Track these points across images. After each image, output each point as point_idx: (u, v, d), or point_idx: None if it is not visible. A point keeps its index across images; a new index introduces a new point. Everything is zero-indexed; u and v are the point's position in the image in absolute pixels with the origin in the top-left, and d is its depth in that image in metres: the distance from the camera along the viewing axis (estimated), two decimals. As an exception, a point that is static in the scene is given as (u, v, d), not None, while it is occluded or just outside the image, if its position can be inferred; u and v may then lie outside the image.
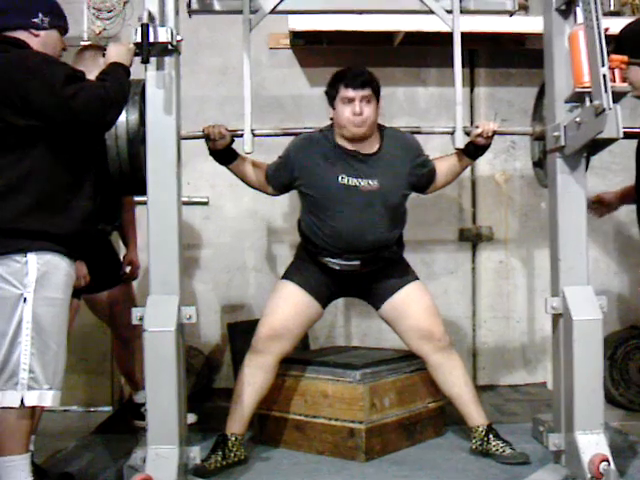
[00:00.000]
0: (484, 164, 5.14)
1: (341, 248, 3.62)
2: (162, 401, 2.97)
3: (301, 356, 4.02)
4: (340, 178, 3.58)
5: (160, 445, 2.94)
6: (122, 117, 3.10)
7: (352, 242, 3.61)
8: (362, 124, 3.58)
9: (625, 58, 3.20)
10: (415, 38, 4.81)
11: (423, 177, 3.76)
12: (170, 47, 3.05)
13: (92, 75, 3.69)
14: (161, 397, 2.97)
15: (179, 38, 3.08)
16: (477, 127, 3.64)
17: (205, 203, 4.98)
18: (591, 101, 2.88)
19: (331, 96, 3.67)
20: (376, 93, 3.65)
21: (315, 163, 3.63)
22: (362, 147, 3.65)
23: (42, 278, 2.82)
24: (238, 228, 5.13)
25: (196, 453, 3.09)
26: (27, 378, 2.81)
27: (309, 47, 5.04)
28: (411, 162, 3.71)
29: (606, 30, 2.80)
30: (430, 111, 5.17)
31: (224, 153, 3.62)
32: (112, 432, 4.13)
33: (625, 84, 3.09)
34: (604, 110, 2.74)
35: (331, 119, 3.71)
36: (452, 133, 3.58)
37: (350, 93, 3.58)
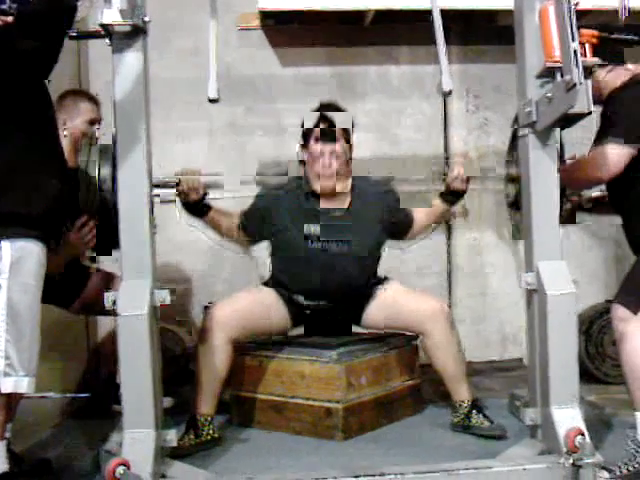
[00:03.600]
0: (458, 141, 5.15)
1: (311, 291, 3.75)
2: (137, 385, 2.95)
3: (277, 337, 4.02)
4: (310, 242, 3.71)
5: (136, 429, 2.93)
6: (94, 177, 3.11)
7: (322, 288, 3.73)
8: (331, 177, 3.69)
9: (595, 32, 3.20)
10: (386, 17, 4.79)
11: (399, 225, 3.91)
12: (137, 28, 3.00)
13: (74, 121, 3.68)
14: (135, 381, 2.94)
15: (147, 19, 3.04)
16: (452, 171, 3.78)
17: (177, 184, 4.93)
18: (562, 76, 2.87)
19: (304, 140, 3.80)
20: (347, 139, 3.77)
21: (284, 226, 3.75)
22: (333, 204, 3.76)
23: (16, 264, 2.80)
24: (212, 210, 5.11)
25: (172, 436, 3.08)
26: (3, 365, 2.79)
27: (279, 27, 5.01)
28: (387, 214, 3.84)
29: (576, 5, 2.79)
30: (402, 89, 5.17)
31: (197, 206, 3.69)
32: (89, 417, 4.12)
33: (595, 58, 3.10)
34: (575, 85, 2.73)
35: (302, 162, 3.83)
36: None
37: (319, 147, 3.68)
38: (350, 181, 3.82)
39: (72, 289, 3.86)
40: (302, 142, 3.81)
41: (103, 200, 3.13)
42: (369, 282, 3.85)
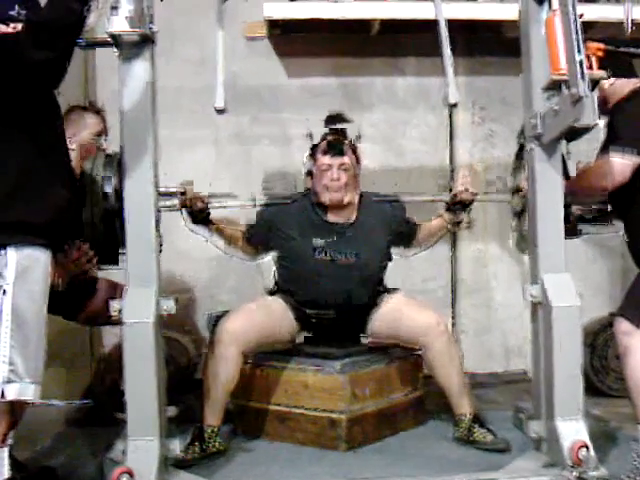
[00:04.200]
0: (463, 152, 5.15)
1: (317, 302, 3.77)
2: (141, 393, 2.96)
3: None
4: (316, 253, 3.72)
5: (140, 437, 2.93)
6: (98, 190, 3.11)
7: (328, 303, 3.76)
8: (339, 190, 3.71)
9: (601, 45, 3.20)
10: (392, 27, 4.80)
11: (404, 237, 3.96)
12: (145, 37, 3.01)
13: (80, 135, 3.69)
14: (140, 389, 2.96)
15: (154, 29, 3.04)
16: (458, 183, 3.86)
17: (182, 193, 4.92)
18: (568, 89, 2.87)
19: (311, 158, 3.84)
20: (354, 154, 3.82)
21: (290, 236, 3.77)
22: (340, 216, 3.78)
23: (24, 271, 2.79)
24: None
25: (176, 445, 3.08)
26: (7, 371, 2.78)
27: (285, 36, 5.00)
28: (394, 229, 3.88)
29: (580, 16, 2.79)
30: (408, 101, 5.17)
31: (203, 214, 3.76)
32: (92, 425, 4.11)
33: (602, 71, 3.11)
34: (581, 98, 2.73)
35: (308, 189, 3.87)
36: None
37: (327, 160, 3.70)
38: (358, 194, 3.83)
39: (78, 301, 3.86)
40: (310, 153, 3.83)
41: (107, 209, 3.13)
42: (375, 292, 3.86)
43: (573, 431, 3.04)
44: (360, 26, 4.84)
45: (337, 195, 3.73)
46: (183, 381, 4.77)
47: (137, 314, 2.97)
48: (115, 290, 3.90)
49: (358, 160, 3.83)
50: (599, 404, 4.29)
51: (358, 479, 3.11)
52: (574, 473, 2.86)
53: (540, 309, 3.23)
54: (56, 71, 2.85)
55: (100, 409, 4.28)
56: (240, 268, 5.06)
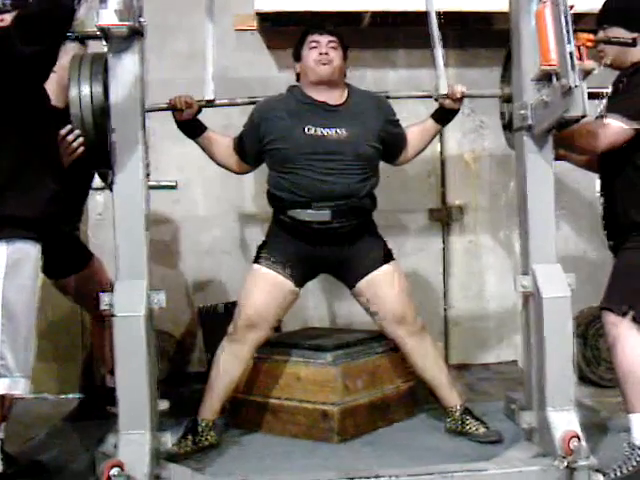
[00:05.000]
0: (453, 144, 5.16)
1: (310, 196, 3.54)
2: (132, 386, 2.95)
3: (273, 339, 4.01)
4: (307, 129, 3.54)
5: (131, 430, 2.93)
6: (86, 90, 3.03)
7: (321, 189, 3.53)
8: (328, 63, 3.59)
9: (591, 36, 3.20)
10: (383, 19, 4.80)
11: (394, 138, 3.75)
12: (134, 30, 3.00)
13: (61, 60, 3.62)
14: (131, 382, 2.95)
15: (143, 22, 3.03)
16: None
17: (173, 187, 4.91)
18: (558, 80, 2.87)
19: (298, 51, 3.70)
20: (342, 46, 3.69)
21: (280, 118, 3.60)
22: (329, 97, 3.64)
23: (14, 265, 2.80)
24: (207, 212, 5.11)
25: (167, 438, 3.08)
26: (-2, 365, 2.79)
27: (276, 29, 5.00)
28: (383, 118, 3.69)
29: (571, 7, 2.80)
30: (398, 93, 5.17)
31: (191, 125, 3.58)
32: (84, 419, 4.11)
33: (591, 62, 3.10)
34: (571, 89, 2.74)
35: (297, 75, 3.74)
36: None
37: (316, 37, 3.64)
38: (346, 87, 3.72)
39: (69, 264, 3.83)
40: (295, 53, 3.73)
41: (96, 117, 3.05)
42: (371, 188, 3.68)
43: (565, 421, 3.04)
44: (351, 18, 4.84)
45: (327, 69, 3.60)
46: (173, 374, 4.77)
47: (128, 307, 2.97)
48: (104, 276, 3.90)
49: (345, 55, 3.71)
50: (591, 394, 4.31)
51: (350, 471, 3.10)
52: (564, 463, 2.87)
53: (531, 300, 3.24)
54: (46, 65, 2.85)
55: (91, 402, 4.29)
56: (232, 261, 5.07)
